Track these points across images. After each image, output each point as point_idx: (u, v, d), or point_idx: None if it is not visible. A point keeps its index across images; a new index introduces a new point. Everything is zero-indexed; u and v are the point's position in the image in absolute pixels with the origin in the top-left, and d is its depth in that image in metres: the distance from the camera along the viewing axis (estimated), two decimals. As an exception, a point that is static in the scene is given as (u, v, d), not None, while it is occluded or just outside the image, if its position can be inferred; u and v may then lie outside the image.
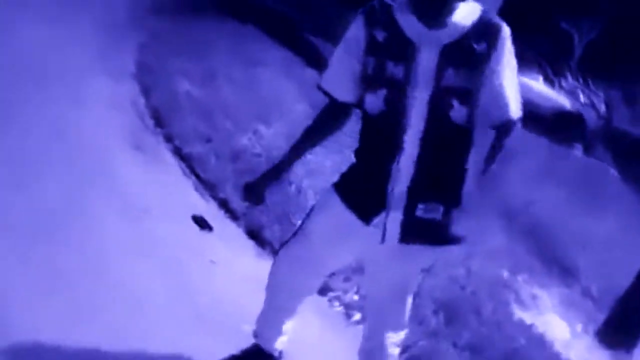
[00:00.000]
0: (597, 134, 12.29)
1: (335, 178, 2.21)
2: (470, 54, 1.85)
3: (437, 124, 1.89)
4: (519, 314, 4.10)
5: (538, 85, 11.74)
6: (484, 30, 1.87)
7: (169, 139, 4.35)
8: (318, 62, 7.08)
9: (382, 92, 1.91)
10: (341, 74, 2.00)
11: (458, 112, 1.88)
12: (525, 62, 11.10)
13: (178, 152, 4.25)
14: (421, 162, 1.92)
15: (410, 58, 1.87)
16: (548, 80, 12.12)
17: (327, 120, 2.12)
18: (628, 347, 4.33)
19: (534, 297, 4.47)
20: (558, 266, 5.10)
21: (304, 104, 5.81)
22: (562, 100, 11.99)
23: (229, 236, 3.57)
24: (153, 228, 3.21)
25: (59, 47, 4.87)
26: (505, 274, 4.57)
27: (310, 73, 6.81)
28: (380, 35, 1.91)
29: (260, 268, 2.76)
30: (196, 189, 3.96)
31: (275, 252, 3.57)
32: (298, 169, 4.69)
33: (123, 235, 3.02)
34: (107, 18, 6.04)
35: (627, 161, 11.38)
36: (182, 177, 4.03)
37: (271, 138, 4.98)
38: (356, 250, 2.21)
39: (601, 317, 4.58)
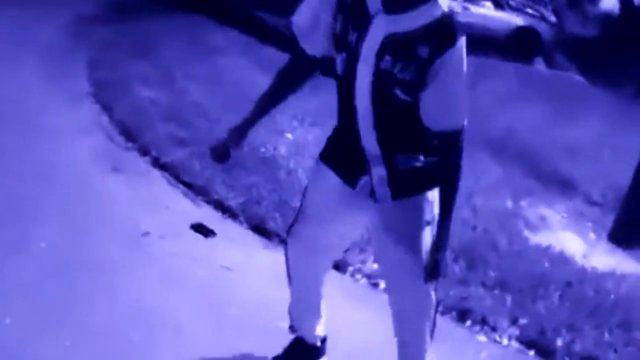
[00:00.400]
0: (554, 44, 12.34)
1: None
2: (411, 54, 1.79)
3: (382, 94, 1.86)
4: (533, 238, 4.11)
5: (490, 11, 11.94)
6: (436, 35, 1.78)
7: (144, 152, 4.21)
8: (272, 37, 6.97)
9: (344, 55, 1.87)
10: (314, 26, 1.93)
11: (400, 92, 1.85)
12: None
13: (157, 163, 4.12)
14: (378, 121, 1.90)
15: (363, 29, 1.82)
16: (496, 4, 12.21)
17: (290, 77, 2.06)
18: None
19: (542, 218, 4.47)
20: (555, 182, 5.10)
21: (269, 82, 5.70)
22: (515, 20, 12.06)
23: (233, 236, 3.48)
24: (158, 249, 3.12)
25: (8, 89, 4.70)
26: (509, 203, 4.56)
27: (267, 50, 6.67)
28: None
29: (274, 260, 2.71)
30: (186, 196, 3.85)
31: (283, 241, 3.51)
32: (282, 150, 4.61)
33: (131, 263, 2.92)
34: (50, 44, 5.84)
35: (586, 64, 11.45)
36: (169, 187, 3.91)
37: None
38: (359, 217, 2.15)
39: (609, 219, 4.59)
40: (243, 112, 5.60)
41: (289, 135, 5.02)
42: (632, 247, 4.31)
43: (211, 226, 3.51)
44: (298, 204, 3.91)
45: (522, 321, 3.20)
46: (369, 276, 3.22)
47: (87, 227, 3.12)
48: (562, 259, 3.85)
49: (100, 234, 3.10)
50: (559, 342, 3.11)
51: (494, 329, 3.16)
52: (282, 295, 2.38)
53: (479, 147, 5.43)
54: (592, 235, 4.42)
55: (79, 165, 3.86)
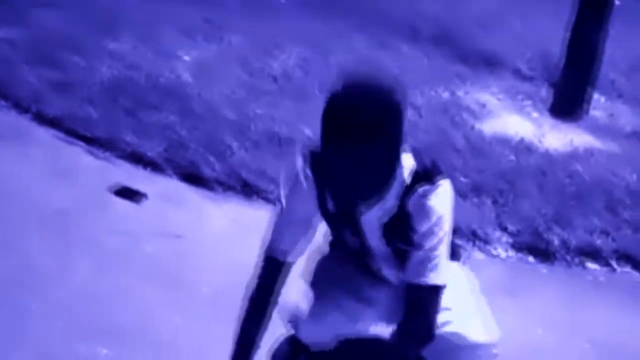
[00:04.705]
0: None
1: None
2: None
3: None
4: (486, 130, 3.82)
5: None
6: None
7: (22, 108, 3.37)
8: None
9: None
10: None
11: None
12: None
13: (43, 119, 3.33)
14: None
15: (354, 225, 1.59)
16: None
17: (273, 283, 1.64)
18: (581, 111, 4.21)
19: (483, 105, 4.15)
20: (481, 61, 4.71)
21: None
22: None
23: (168, 194, 2.91)
24: (84, 229, 2.51)
25: None
26: (446, 94, 4.21)
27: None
28: None
29: (225, 212, 2.57)
30: (92, 154, 3.15)
31: (228, 187, 2.98)
32: (186, 76, 3.93)
33: (60, 252, 2.29)
34: None
35: None
36: (67, 147, 3.17)
37: (127, 52, 4.13)
38: None
39: (544, 91, 4.39)
40: (121, 38, 4.78)
41: (186, 57, 4.31)
42: (576, 118, 4.14)
43: (137, 187, 2.89)
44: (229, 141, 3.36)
45: (512, 227, 2.95)
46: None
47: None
48: (524, 148, 3.61)
49: (9, 224, 2.40)
50: (555, 241, 2.89)
51: (486, 241, 2.89)
52: (251, 253, 1.81)
53: (394, 34, 4.98)
54: (534, 114, 4.18)
55: None
